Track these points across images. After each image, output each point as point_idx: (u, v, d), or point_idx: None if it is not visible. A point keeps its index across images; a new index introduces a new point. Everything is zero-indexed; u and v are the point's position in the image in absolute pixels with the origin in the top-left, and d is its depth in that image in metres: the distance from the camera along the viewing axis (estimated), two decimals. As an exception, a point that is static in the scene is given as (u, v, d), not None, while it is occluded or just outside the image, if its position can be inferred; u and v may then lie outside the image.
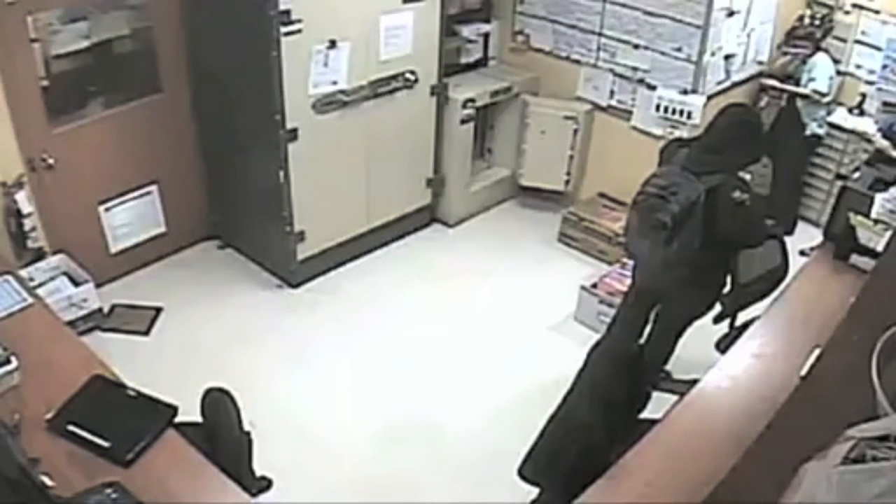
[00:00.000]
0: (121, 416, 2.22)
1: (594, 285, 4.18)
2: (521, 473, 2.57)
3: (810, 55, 4.75)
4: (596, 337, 3.59)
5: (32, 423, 2.13)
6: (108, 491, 1.94)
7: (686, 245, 3.03)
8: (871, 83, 4.92)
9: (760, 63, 4.94)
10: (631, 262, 3.75)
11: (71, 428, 2.13)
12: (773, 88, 4.82)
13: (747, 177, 3.29)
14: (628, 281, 4.13)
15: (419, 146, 4.70)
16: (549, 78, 5.03)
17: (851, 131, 4.85)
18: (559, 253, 4.85)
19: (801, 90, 4.70)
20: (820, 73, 4.71)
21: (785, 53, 4.91)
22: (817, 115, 4.77)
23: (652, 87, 4.56)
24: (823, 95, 4.73)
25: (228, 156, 4.32)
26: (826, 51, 4.79)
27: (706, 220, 2.98)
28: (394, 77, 4.28)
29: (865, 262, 2.88)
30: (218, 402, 2.50)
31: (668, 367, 3.70)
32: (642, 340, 3.71)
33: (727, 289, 3.53)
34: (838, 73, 4.88)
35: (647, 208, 3.07)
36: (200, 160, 4.46)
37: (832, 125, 4.89)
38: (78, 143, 3.85)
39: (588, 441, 2.36)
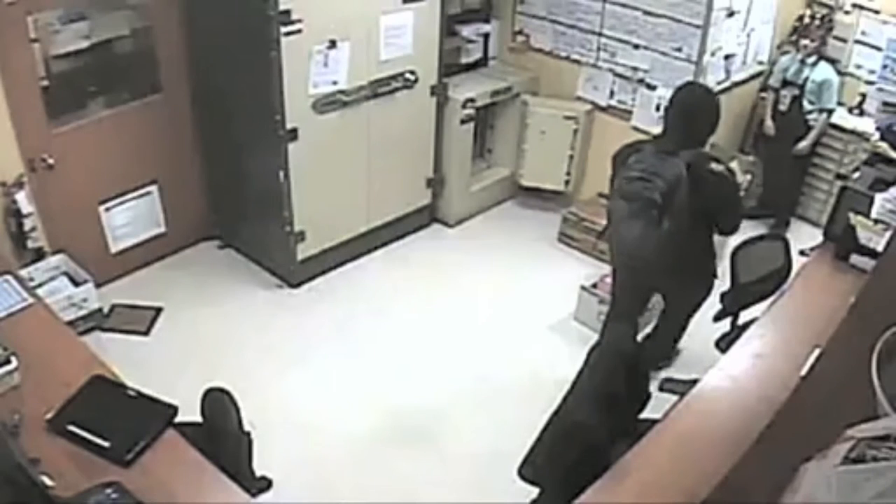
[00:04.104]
0: (121, 416, 2.21)
1: (594, 285, 4.17)
2: (521, 474, 2.57)
3: (810, 55, 4.64)
4: (596, 337, 3.59)
5: (32, 423, 2.13)
6: (108, 491, 1.93)
7: (676, 221, 3.07)
8: (871, 83, 4.92)
9: (760, 63, 4.94)
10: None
11: (71, 428, 2.13)
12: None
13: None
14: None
15: (419, 146, 4.70)
16: (549, 78, 5.03)
17: (851, 131, 4.85)
18: (559, 253, 4.85)
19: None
20: (828, 93, 4.62)
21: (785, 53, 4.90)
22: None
23: (652, 87, 4.56)
24: (831, 112, 4.72)
25: (228, 156, 4.32)
26: (828, 59, 4.70)
27: (690, 195, 3.03)
28: (394, 77, 4.28)
29: (865, 262, 2.88)
30: (218, 402, 2.49)
31: (666, 372, 3.71)
32: (648, 330, 3.73)
33: (728, 287, 3.55)
34: (838, 72, 4.87)
35: (635, 191, 3.13)
36: (200, 160, 4.46)
37: (832, 125, 4.89)
38: (78, 143, 3.85)
39: (588, 441, 2.36)
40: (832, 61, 4.81)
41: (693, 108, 3.12)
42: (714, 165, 3.08)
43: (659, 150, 3.13)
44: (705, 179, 3.03)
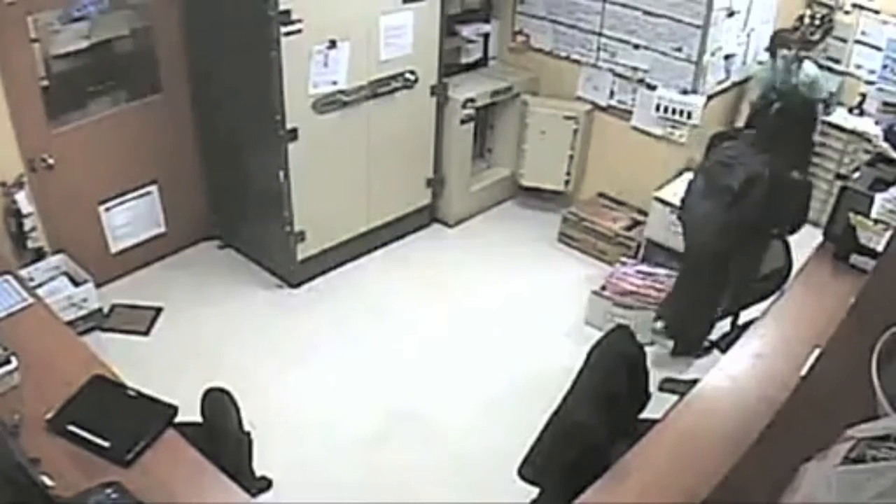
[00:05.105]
0: (121, 416, 2.21)
1: (603, 287, 4.14)
2: (521, 474, 2.57)
3: (792, 62, 4.62)
4: (597, 336, 3.60)
5: (32, 423, 2.12)
6: (108, 491, 1.93)
7: (746, 216, 3.23)
8: (871, 83, 4.92)
9: (760, 63, 4.93)
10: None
11: (71, 428, 2.13)
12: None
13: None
14: (633, 280, 4.14)
15: (419, 146, 4.70)
16: (549, 78, 5.03)
17: (851, 131, 4.85)
18: (559, 253, 4.85)
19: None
20: (818, 86, 4.68)
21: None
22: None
23: (652, 87, 4.56)
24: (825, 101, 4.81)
25: (228, 156, 4.32)
26: (808, 58, 4.70)
27: (767, 194, 3.20)
28: (394, 77, 4.28)
29: (865, 262, 2.88)
30: (218, 402, 2.49)
31: (667, 372, 3.71)
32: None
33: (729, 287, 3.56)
34: (839, 73, 4.87)
35: (717, 173, 3.33)
36: (200, 160, 4.46)
37: (832, 125, 4.90)
38: (78, 143, 3.85)
39: (588, 441, 2.36)
40: (811, 59, 4.81)
41: (798, 126, 3.45)
42: (796, 174, 3.31)
43: (753, 143, 3.33)
44: (785, 184, 3.26)
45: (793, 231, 3.41)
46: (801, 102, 3.63)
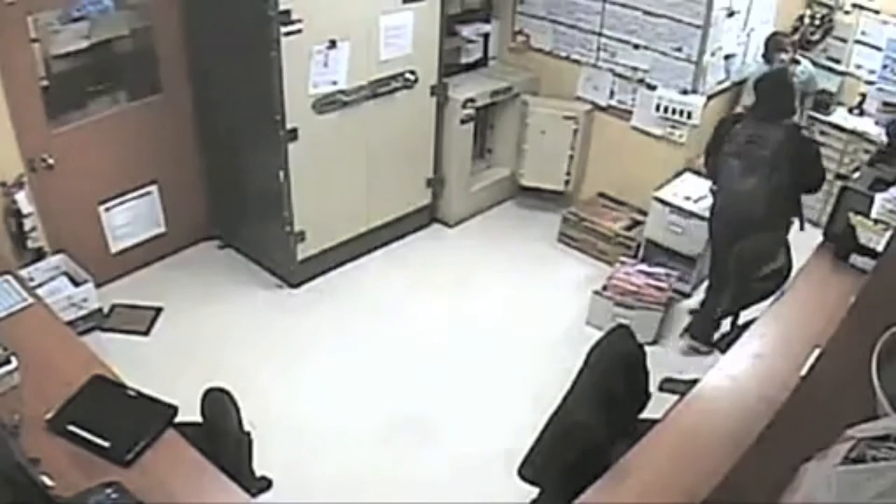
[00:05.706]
0: (121, 416, 2.22)
1: (605, 287, 4.14)
2: (521, 474, 2.57)
3: (795, 63, 4.66)
4: (597, 336, 3.60)
5: (32, 423, 2.13)
6: (108, 491, 1.94)
7: (782, 180, 3.53)
8: (871, 83, 4.92)
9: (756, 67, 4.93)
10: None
11: (71, 428, 2.13)
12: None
13: None
14: (634, 280, 4.14)
15: (419, 146, 4.70)
16: (549, 78, 5.03)
17: (851, 131, 4.85)
18: (559, 253, 4.85)
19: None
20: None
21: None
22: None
23: (652, 87, 4.56)
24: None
25: (228, 156, 4.32)
26: (799, 61, 4.73)
27: (793, 156, 3.52)
28: (394, 77, 4.28)
29: (865, 262, 2.88)
30: (218, 402, 2.50)
31: (667, 372, 3.70)
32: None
33: (730, 287, 3.55)
34: (839, 73, 4.87)
35: (749, 151, 3.60)
36: (200, 160, 4.46)
37: (832, 125, 4.89)
38: (78, 143, 3.85)
39: (588, 441, 2.36)
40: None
41: (782, 87, 3.70)
42: (805, 133, 3.65)
43: (761, 119, 3.60)
44: (807, 143, 3.65)
45: (817, 187, 3.70)
46: (777, 75, 3.91)
